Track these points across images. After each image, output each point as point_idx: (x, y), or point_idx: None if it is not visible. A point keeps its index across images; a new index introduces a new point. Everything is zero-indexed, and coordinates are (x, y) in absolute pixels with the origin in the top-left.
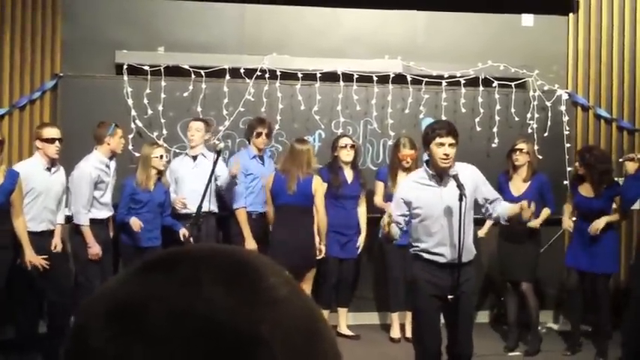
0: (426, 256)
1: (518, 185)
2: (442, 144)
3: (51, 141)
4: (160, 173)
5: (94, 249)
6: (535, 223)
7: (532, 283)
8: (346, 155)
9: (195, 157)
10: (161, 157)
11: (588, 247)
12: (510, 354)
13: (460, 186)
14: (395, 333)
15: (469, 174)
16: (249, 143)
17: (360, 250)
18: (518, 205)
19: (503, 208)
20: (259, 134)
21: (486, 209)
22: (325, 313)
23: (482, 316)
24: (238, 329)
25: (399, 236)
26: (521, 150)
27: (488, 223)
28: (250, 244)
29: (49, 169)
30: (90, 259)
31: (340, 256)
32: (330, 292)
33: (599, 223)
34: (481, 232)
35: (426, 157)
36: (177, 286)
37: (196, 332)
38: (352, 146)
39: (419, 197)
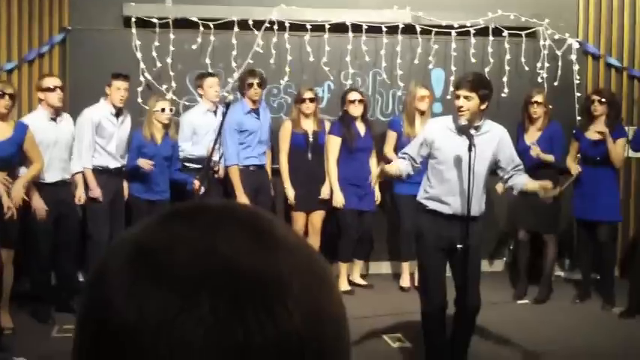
0: (431, 205)
1: (532, 134)
2: (458, 96)
3: (52, 89)
4: (167, 127)
5: (95, 191)
6: (536, 152)
7: (555, 235)
8: (355, 109)
9: (215, 112)
10: (163, 110)
11: (594, 196)
12: (519, 302)
13: (470, 137)
14: (405, 282)
15: (498, 133)
16: (244, 97)
17: (378, 202)
18: (539, 184)
19: (521, 180)
20: (250, 85)
21: (504, 173)
22: (344, 265)
23: (496, 265)
24: (259, 271)
25: (412, 172)
26: (538, 102)
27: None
28: (242, 200)
29: (54, 119)
30: (98, 208)
31: (359, 207)
32: (350, 245)
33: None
34: (498, 188)
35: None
36: (199, 231)
37: (220, 271)
38: (361, 101)
39: (442, 140)
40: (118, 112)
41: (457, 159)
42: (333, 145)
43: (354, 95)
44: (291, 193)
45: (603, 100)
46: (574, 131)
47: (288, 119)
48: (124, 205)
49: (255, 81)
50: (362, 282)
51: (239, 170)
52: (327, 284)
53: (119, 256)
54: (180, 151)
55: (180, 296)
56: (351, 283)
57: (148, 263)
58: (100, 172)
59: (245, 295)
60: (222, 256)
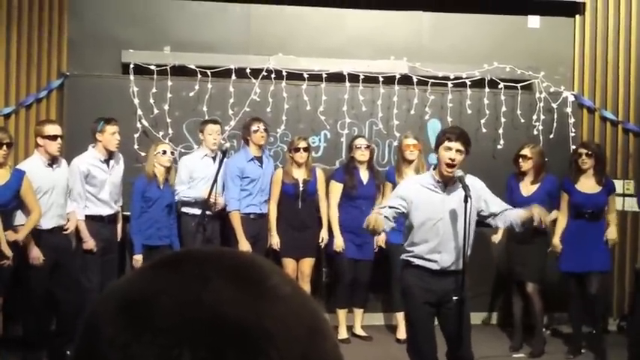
0: (417, 262)
1: (527, 186)
2: (450, 148)
3: (53, 138)
4: (168, 171)
5: (89, 243)
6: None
7: (538, 285)
8: (361, 155)
9: (214, 158)
10: (164, 152)
11: (583, 247)
12: (515, 355)
13: (465, 187)
14: (401, 334)
15: (477, 187)
16: (248, 145)
17: (376, 249)
18: (530, 210)
19: (515, 215)
20: (256, 131)
21: (496, 222)
22: (342, 312)
23: (491, 318)
24: (243, 322)
25: (387, 228)
26: (525, 157)
27: (502, 230)
28: (243, 245)
29: (50, 165)
30: (90, 257)
31: (356, 256)
32: (345, 291)
33: (613, 233)
34: (495, 239)
35: (433, 160)
36: (185, 281)
37: (203, 322)
38: (367, 147)
39: (420, 200)
40: (108, 158)
41: (441, 216)
42: (335, 190)
43: (360, 142)
44: (275, 239)
45: (590, 152)
46: (564, 182)
47: (281, 167)
48: (121, 251)
49: (261, 126)
50: (363, 333)
51: (240, 217)
52: (318, 334)
53: (107, 306)
54: (176, 194)
55: (161, 348)
56: (352, 334)
57: (132, 314)
58: (93, 219)
59: (227, 346)
60: (206, 306)
